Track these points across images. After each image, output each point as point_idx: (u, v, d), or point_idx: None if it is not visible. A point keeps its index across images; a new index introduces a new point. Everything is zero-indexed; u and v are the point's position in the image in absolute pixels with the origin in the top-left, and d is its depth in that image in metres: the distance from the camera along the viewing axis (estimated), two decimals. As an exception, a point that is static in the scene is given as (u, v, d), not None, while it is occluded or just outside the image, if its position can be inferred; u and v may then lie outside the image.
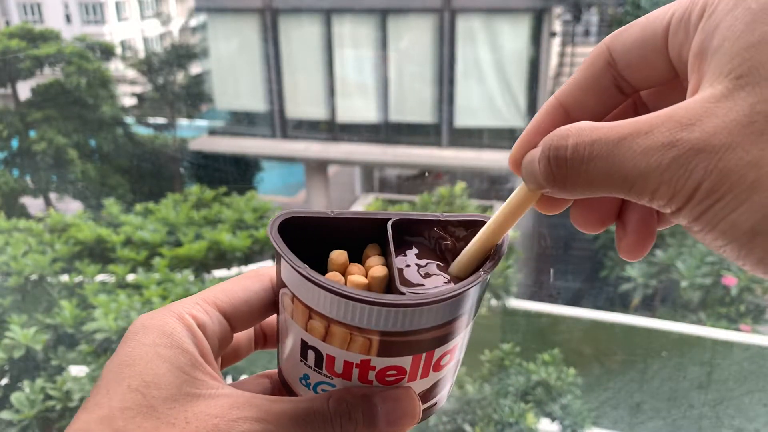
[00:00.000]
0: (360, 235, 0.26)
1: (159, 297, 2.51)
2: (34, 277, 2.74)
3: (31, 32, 5.63)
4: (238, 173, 7.94)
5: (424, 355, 0.24)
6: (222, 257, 2.83)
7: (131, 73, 7.10)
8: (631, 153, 0.18)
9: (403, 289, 0.24)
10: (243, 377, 0.29)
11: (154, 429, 0.21)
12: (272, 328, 0.29)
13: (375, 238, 0.26)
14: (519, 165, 0.22)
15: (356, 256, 0.26)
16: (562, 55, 6.63)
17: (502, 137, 6.46)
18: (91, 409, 0.21)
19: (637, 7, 5.05)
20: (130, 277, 2.74)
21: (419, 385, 0.25)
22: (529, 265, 6.43)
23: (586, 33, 7.39)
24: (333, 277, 0.24)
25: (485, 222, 0.25)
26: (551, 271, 6.56)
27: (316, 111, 6.75)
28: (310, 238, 0.25)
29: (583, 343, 4.65)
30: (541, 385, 2.94)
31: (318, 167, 7.07)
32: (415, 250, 0.26)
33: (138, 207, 3.16)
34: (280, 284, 0.25)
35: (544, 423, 3.00)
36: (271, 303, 0.26)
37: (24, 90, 6.49)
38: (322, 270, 0.24)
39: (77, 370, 2.67)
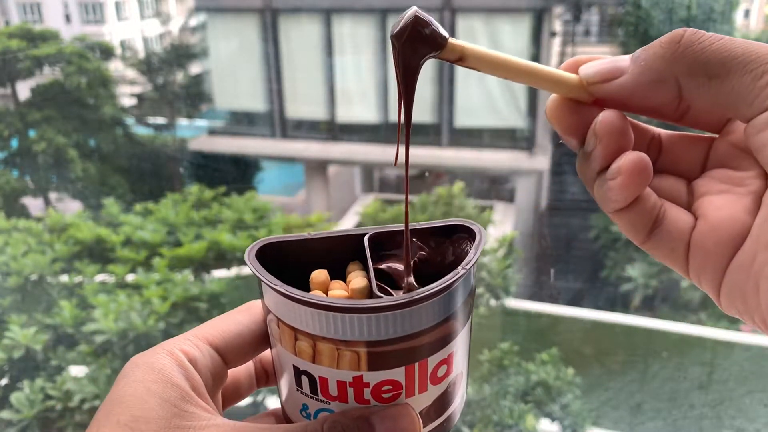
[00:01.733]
0: (340, 254, 0.26)
1: (159, 297, 2.51)
2: (33, 277, 2.75)
3: (30, 32, 5.64)
4: (237, 173, 7.96)
5: (417, 365, 0.23)
6: (222, 257, 2.83)
7: (131, 73, 7.13)
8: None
9: (380, 294, 0.24)
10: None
11: None
12: (271, 364, 0.29)
13: (356, 255, 0.26)
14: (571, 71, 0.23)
15: (339, 275, 0.26)
16: (562, 54, 6.66)
17: (502, 137, 6.47)
18: None
19: (638, 7, 5.05)
20: (130, 277, 2.75)
21: (420, 402, 0.24)
22: (530, 265, 6.45)
23: (587, 33, 7.42)
24: (315, 294, 0.24)
25: (467, 227, 0.26)
26: (551, 271, 6.58)
27: (316, 111, 6.75)
28: (291, 264, 0.25)
29: (584, 343, 4.65)
30: (540, 385, 2.94)
31: (318, 167, 7.08)
32: (392, 263, 0.25)
33: (137, 207, 3.16)
34: (266, 311, 0.24)
35: (544, 423, 3.00)
36: (263, 336, 0.26)
37: (24, 90, 6.51)
38: (306, 291, 0.24)
39: (77, 371, 2.67)
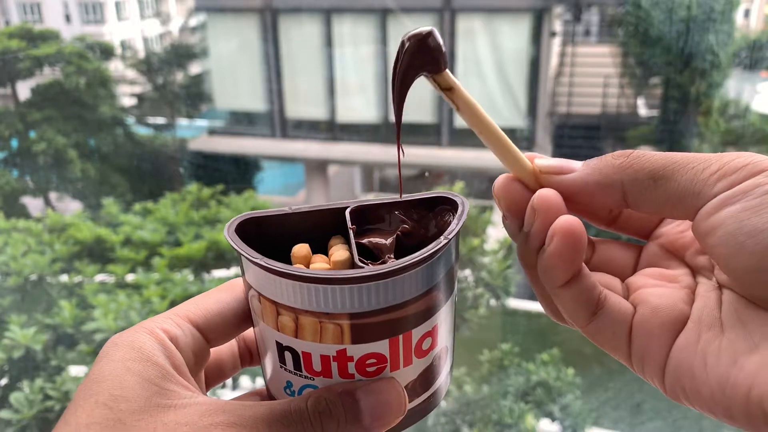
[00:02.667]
0: (323, 229, 0.26)
1: (159, 297, 2.51)
2: (33, 277, 2.75)
3: (30, 32, 5.64)
4: (237, 173, 7.97)
5: (401, 337, 0.23)
6: (221, 257, 2.84)
7: (131, 73, 7.13)
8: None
9: (362, 265, 0.23)
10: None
11: None
12: (255, 343, 0.28)
13: (338, 229, 0.26)
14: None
15: (322, 249, 0.25)
16: (562, 54, 6.64)
17: (502, 137, 6.45)
18: (60, 428, 0.21)
19: (638, 7, 5.05)
20: (130, 277, 2.75)
21: (405, 375, 0.24)
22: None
23: (587, 33, 7.41)
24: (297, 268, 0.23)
25: (449, 198, 0.25)
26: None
27: (316, 111, 6.76)
28: (272, 239, 0.25)
29: (584, 343, 4.65)
30: (540, 386, 2.94)
31: (318, 167, 7.09)
32: (375, 237, 0.25)
33: (137, 207, 3.16)
34: (247, 287, 0.24)
35: (544, 423, 3.00)
36: (246, 314, 0.25)
37: (24, 90, 6.51)
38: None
39: (77, 371, 2.68)
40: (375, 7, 6.01)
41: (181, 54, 6.71)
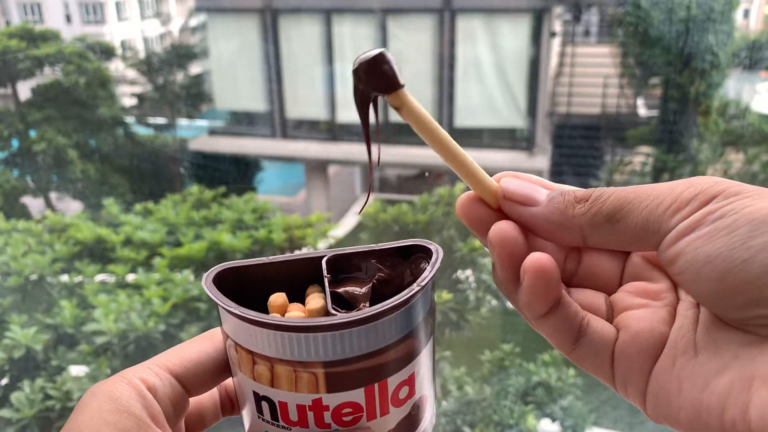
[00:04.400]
0: (300, 278, 0.26)
1: (159, 297, 2.52)
2: (33, 277, 2.75)
3: (31, 32, 5.64)
4: (238, 173, 7.95)
5: (376, 386, 0.23)
6: (222, 257, 2.84)
7: (131, 73, 7.12)
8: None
9: (335, 313, 0.23)
10: None
11: None
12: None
13: (315, 278, 0.26)
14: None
15: (300, 299, 0.26)
16: (562, 55, 6.63)
17: (502, 137, 6.47)
18: None
19: (638, 7, 5.05)
20: (130, 277, 2.75)
21: (382, 425, 0.24)
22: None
23: (587, 33, 7.40)
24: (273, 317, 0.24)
25: (424, 246, 0.25)
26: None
27: (316, 111, 6.76)
28: (251, 289, 0.25)
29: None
30: (541, 386, 2.94)
31: (318, 167, 7.08)
32: (351, 287, 0.25)
33: (137, 207, 3.17)
34: (225, 337, 0.24)
35: (545, 423, 3.00)
36: (225, 364, 0.25)
37: (24, 90, 6.50)
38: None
39: (77, 370, 2.68)
40: (375, 8, 6.02)
41: (181, 54, 6.71)
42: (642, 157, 6.18)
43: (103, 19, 8.67)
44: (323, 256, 0.26)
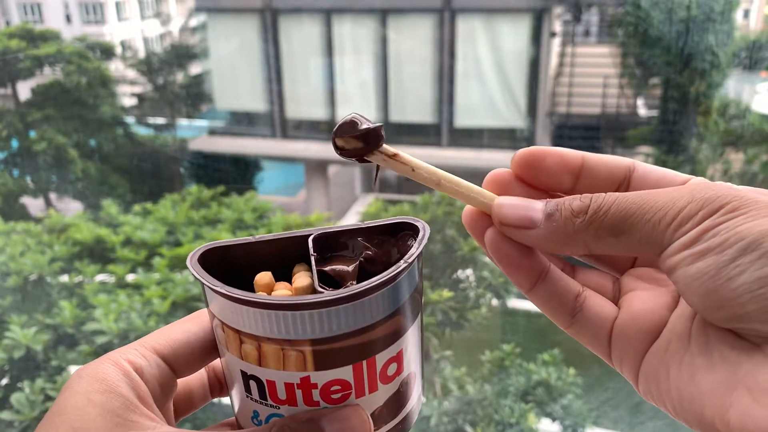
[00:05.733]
0: (286, 257, 0.26)
1: (159, 297, 2.52)
2: (33, 277, 2.75)
3: (31, 32, 5.65)
4: (238, 173, 7.96)
5: (364, 363, 0.23)
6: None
7: (131, 73, 7.11)
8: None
9: (321, 290, 0.23)
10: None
11: None
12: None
13: (302, 257, 0.26)
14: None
15: (286, 278, 0.25)
16: (562, 55, 6.63)
17: (502, 137, 6.47)
18: None
19: (638, 7, 5.05)
20: (130, 277, 2.75)
21: (370, 402, 0.24)
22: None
23: (587, 33, 7.40)
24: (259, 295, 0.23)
25: (411, 223, 0.26)
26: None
27: (316, 111, 6.76)
28: (237, 268, 0.25)
29: (584, 343, 4.66)
30: (541, 385, 2.95)
31: (318, 167, 7.09)
32: (338, 265, 0.25)
33: (137, 207, 3.17)
34: (212, 317, 0.24)
35: (545, 423, 3.01)
36: (212, 345, 0.25)
37: (24, 90, 6.49)
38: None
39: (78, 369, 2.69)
40: (375, 7, 6.02)
41: (181, 54, 6.71)
42: (642, 157, 6.17)
43: (103, 19, 8.66)
44: (309, 235, 0.26)
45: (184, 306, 2.56)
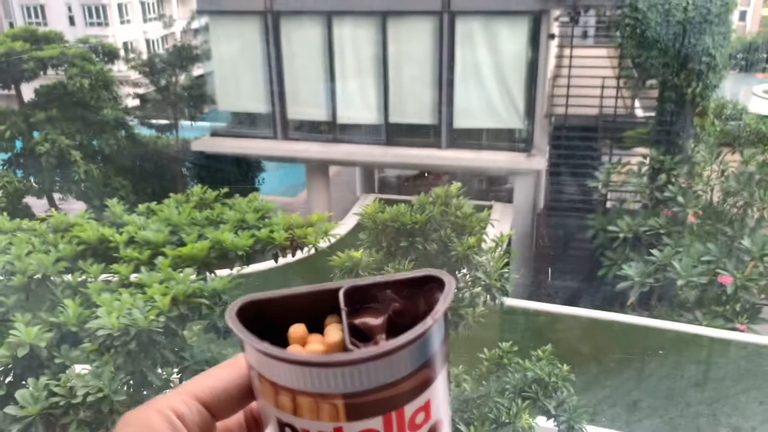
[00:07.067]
0: (319, 307, 0.27)
1: (161, 295, 2.53)
2: (37, 276, 2.76)
3: (34, 34, 5.67)
4: (240, 174, 7.93)
5: (394, 414, 0.24)
6: (224, 256, 2.84)
7: (134, 75, 7.10)
8: None
9: (352, 347, 0.25)
10: None
11: None
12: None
13: (334, 308, 0.27)
14: None
15: (319, 327, 0.27)
16: (560, 57, 6.62)
17: (500, 138, 6.49)
18: None
19: (635, 9, 5.08)
20: (133, 276, 2.75)
21: None
22: (527, 264, 6.40)
23: (584, 35, 7.39)
24: (293, 349, 0.25)
25: (438, 277, 0.27)
26: (549, 270, 6.51)
27: (317, 112, 6.78)
28: (273, 320, 0.26)
29: (581, 341, 4.68)
30: (536, 382, 2.96)
31: (319, 168, 7.11)
32: (367, 318, 0.26)
33: (140, 207, 3.18)
34: (249, 366, 0.26)
35: (540, 420, 3.02)
36: (248, 390, 0.27)
37: (27, 91, 6.49)
38: (287, 345, 0.26)
39: (81, 368, 2.69)
40: (375, 10, 6.04)
41: (183, 56, 6.73)
42: (639, 158, 6.18)
43: (106, 22, 8.69)
44: (340, 288, 0.27)
45: (185, 302, 2.58)
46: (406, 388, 0.24)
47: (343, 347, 0.25)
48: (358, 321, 0.26)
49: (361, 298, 0.27)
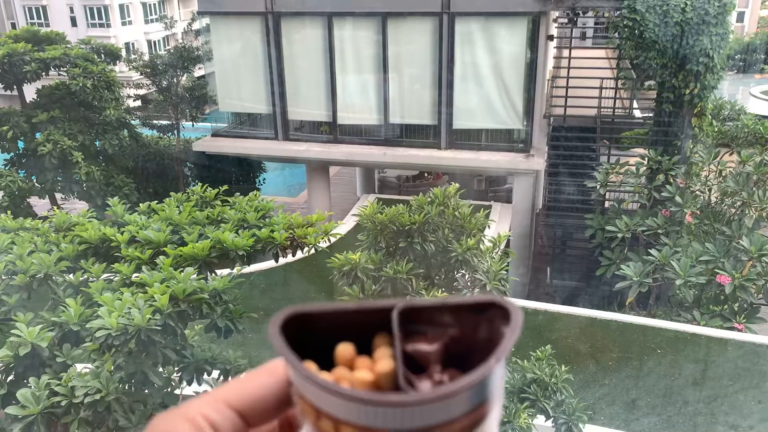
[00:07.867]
0: (369, 324, 0.25)
1: (160, 293, 2.54)
2: (39, 275, 2.77)
3: (36, 35, 5.70)
4: (241, 174, 7.98)
5: None
6: (225, 256, 2.86)
7: (136, 76, 7.15)
8: None
9: (407, 388, 0.23)
10: None
11: None
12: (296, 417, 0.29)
13: (383, 326, 0.25)
14: None
15: (366, 346, 0.25)
16: (558, 58, 6.65)
17: (499, 139, 6.52)
18: None
19: (633, 10, 5.11)
20: (135, 276, 2.77)
21: None
22: (526, 264, 6.44)
23: (583, 36, 7.43)
24: (340, 372, 0.24)
25: (503, 306, 0.25)
26: (548, 269, 6.54)
27: (318, 113, 6.82)
28: (318, 332, 0.25)
29: (579, 340, 4.71)
30: (535, 383, 2.97)
31: (319, 168, 7.15)
32: (421, 341, 0.25)
33: (142, 206, 3.20)
34: (289, 382, 0.25)
35: (539, 420, 3.04)
36: (287, 397, 0.26)
37: (30, 92, 6.53)
38: (332, 362, 0.24)
39: (82, 368, 2.70)
40: (375, 11, 6.06)
41: (184, 57, 6.76)
42: (637, 158, 6.20)
43: (108, 23, 8.76)
44: (393, 307, 0.25)
45: (186, 300, 2.59)
46: (460, 426, 0.23)
47: (394, 379, 0.23)
48: (411, 348, 0.24)
49: (415, 320, 0.25)
